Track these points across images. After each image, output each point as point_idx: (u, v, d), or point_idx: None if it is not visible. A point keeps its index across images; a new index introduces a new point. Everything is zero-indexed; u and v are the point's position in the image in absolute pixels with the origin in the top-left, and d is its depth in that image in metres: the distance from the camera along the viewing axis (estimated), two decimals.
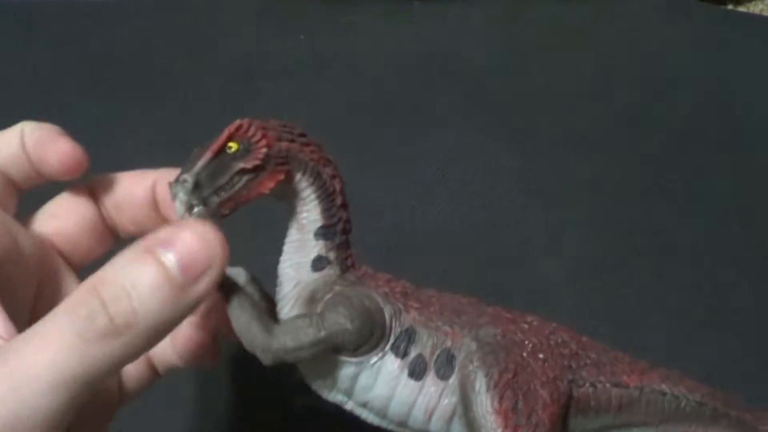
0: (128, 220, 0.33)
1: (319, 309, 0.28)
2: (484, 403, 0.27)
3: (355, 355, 0.28)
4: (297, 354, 0.27)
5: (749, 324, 0.52)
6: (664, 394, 0.31)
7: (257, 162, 0.27)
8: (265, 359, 0.27)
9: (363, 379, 0.28)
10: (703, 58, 0.70)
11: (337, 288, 0.28)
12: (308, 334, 0.26)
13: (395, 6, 0.74)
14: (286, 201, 0.30)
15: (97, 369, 0.22)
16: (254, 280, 0.31)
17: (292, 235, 0.29)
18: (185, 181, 0.26)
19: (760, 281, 0.55)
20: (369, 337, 0.28)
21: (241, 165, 0.26)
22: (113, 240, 0.34)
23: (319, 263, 0.29)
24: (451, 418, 0.28)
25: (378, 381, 0.28)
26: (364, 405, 0.29)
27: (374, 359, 0.28)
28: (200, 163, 0.26)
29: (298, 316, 0.28)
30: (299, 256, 0.29)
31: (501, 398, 0.27)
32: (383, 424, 0.29)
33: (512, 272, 0.55)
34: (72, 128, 0.64)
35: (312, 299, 0.28)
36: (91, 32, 0.71)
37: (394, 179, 0.60)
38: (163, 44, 0.70)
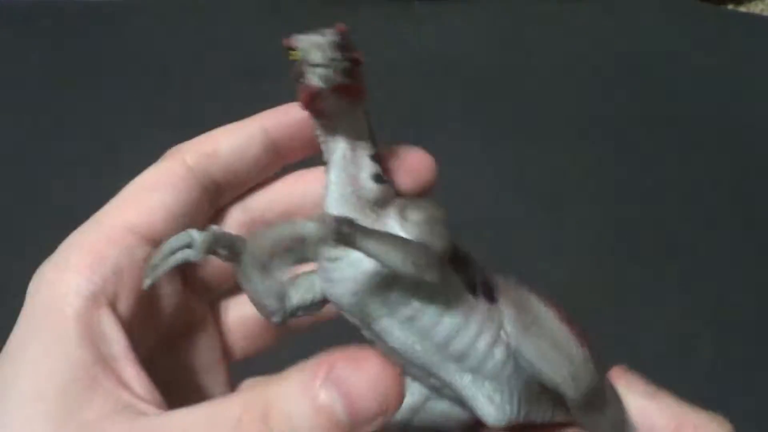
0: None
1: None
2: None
3: None
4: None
5: (749, 324, 0.52)
6: None
7: None
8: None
9: None
10: (703, 58, 0.70)
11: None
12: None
13: (395, 6, 0.74)
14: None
15: None
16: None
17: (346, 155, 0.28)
18: None
19: (760, 281, 0.55)
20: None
21: None
22: None
23: (379, 178, 0.28)
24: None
25: None
26: None
27: None
28: None
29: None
30: (354, 169, 0.27)
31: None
32: None
33: (512, 272, 0.55)
34: (72, 128, 0.64)
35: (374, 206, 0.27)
36: (92, 32, 0.71)
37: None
38: (165, 45, 0.70)
